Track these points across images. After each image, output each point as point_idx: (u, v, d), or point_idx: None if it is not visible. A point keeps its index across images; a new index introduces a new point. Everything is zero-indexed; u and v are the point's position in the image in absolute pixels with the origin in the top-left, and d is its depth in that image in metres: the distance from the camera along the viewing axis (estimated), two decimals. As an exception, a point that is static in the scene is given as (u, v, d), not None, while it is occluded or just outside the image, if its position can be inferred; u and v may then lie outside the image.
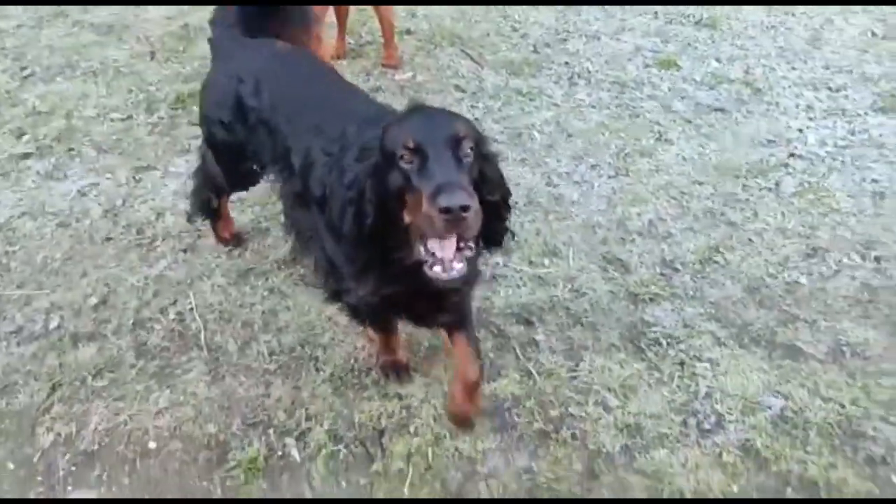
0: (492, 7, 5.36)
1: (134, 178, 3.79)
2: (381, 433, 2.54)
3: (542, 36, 5.00)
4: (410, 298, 2.19)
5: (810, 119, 4.10)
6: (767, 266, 3.18)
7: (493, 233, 2.10)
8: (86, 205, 3.61)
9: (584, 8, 5.36)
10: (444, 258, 1.85)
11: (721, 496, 2.35)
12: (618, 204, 3.53)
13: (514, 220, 3.38)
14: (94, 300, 3.07)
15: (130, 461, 2.49)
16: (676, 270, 3.17)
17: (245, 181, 3.01)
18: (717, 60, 4.66)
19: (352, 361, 2.78)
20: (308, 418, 2.60)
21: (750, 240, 3.32)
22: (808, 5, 5.37)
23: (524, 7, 5.37)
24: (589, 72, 4.58)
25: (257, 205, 3.56)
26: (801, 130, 4.01)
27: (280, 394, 2.68)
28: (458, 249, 1.86)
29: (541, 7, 5.35)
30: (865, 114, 4.13)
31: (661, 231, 3.38)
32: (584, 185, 3.66)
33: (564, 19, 5.20)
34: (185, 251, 3.33)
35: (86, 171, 3.85)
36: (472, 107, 4.26)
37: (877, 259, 3.20)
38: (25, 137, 4.07)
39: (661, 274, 3.15)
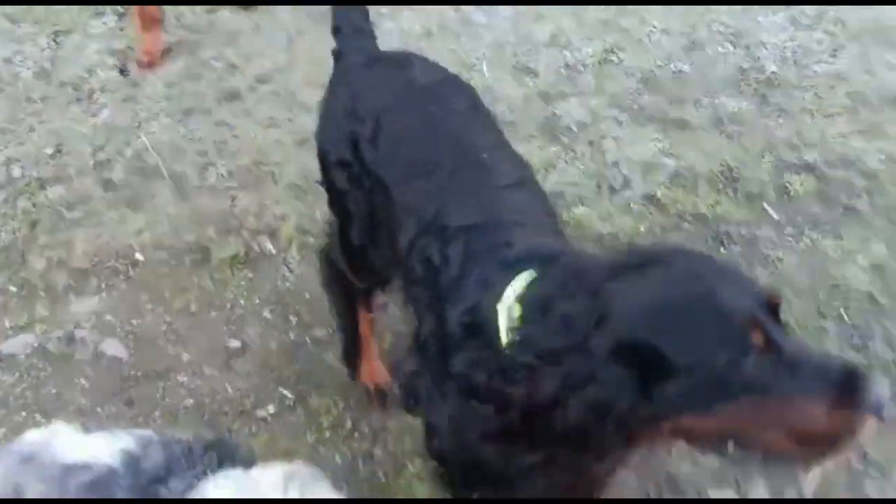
0: None
1: (55, 41, 3.88)
2: (343, 223, 2.92)
3: None
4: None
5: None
6: (656, 60, 3.63)
7: None
8: (14, 70, 3.71)
9: None
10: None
11: (631, 236, 2.86)
12: (522, 22, 3.89)
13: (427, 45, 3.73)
14: (49, 150, 3.26)
15: (123, 271, 2.79)
16: (580, 72, 3.59)
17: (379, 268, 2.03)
18: None
19: (308, 168, 3.12)
20: (276, 219, 2.94)
21: (639, 40, 3.76)
22: None
23: None
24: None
25: (188, 53, 3.75)
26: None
27: (245, 204, 3.00)
28: None
29: None
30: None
31: (562, 41, 3.77)
32: (490, 10, 3.99)
33: None
34: (124, 100, 3.51)
35: (6, 41, 3.91)
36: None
37: (746, 46, 3.70)
38: (-67, 17, 4.07)
39: (567, 76, 3.57)
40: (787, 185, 3.01)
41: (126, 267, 2.80)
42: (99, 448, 1.47)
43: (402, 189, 1.77)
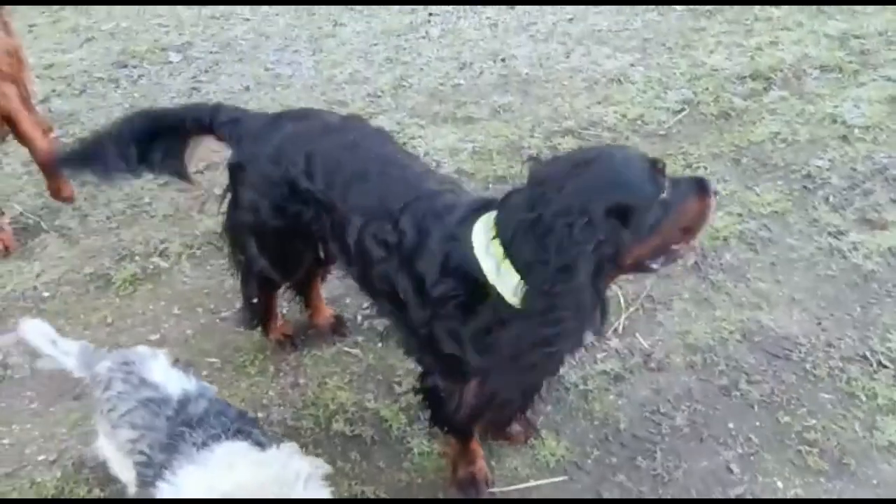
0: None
1: None
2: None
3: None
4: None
5: (436, -10, 5.58)
6: (437, 80, 4.55)
7: None
8: None
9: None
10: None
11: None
12: (323, 69, 4.69)
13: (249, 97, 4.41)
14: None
15: (30, 308, 3.15)
16: (379, 97, 4.42)
17: (300, 264, 2.58)
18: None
19: (177, 202, 3.66)
20: (161, 242, 3.44)
21: (421, 69, 4.67)
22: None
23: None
24: (263, -8, 5.64)
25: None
26: (429, 0, 5.47)
27: (130, 236, 3.49)
28: None
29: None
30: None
31: (359, 78, 4.60)
32: (294, 65, 4.76)
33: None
34: (-14, 183, 3.87)
35: None
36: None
37: (502, 59, 4.72)
38: None
39: (371, 100, 4.38)
40: (557, 146, 3.95)
41: (34, 304, 3.17)
42: (173, 380, 2.02)
43: (344, 199, 2.20)
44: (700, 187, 1.85)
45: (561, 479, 2.47)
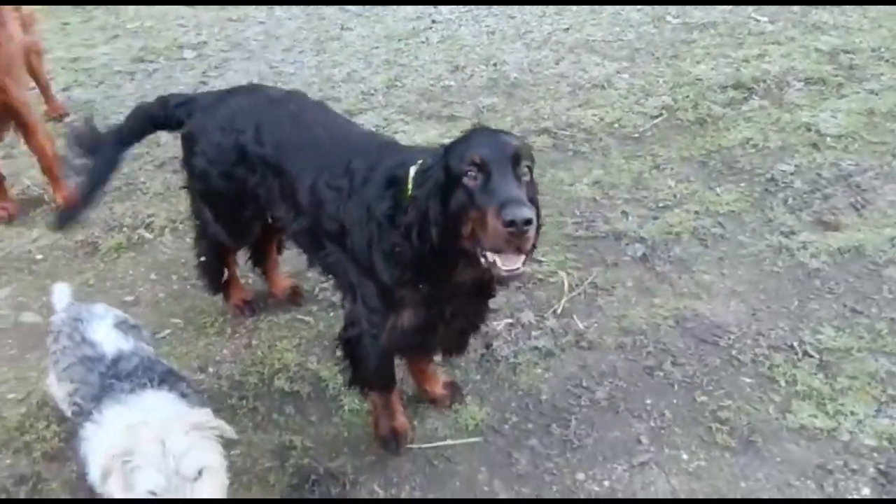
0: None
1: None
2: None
3: None
4: (452, 312, 2.28)
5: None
6: (430, 80, 4.77)
7: None
8: None
9: None
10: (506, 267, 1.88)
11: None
12: (323, 69, 4.95)
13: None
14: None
15: (23, 269, 3.44)
16: (372, 94, 4.66)
17: (250, 230, 2.79)
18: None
19: (169, 181, 3.94)
20: (148, 216, 3.71)
21: (415, 70, 4.90)
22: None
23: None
24: None
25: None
26: (435, 7, 5.69)
27: (122, 210, 3.76)
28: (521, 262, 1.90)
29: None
30: (476, -9, 5.93)
31: (356, 77, 4.85)
32: (296, 63, 5.03)
33: None
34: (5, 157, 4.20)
35: None
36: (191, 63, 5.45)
37: (494, 64, 4.92)
38: None
39: (363, 98, 4.62)
40: (532, 143, 4.12)
41: (27, 265, 3.46)
42: (111, 340, 2.23)
43: (295, 162, 2.46)
44: (502, 205, 1.81)
45: (476, 440, 2.62)
